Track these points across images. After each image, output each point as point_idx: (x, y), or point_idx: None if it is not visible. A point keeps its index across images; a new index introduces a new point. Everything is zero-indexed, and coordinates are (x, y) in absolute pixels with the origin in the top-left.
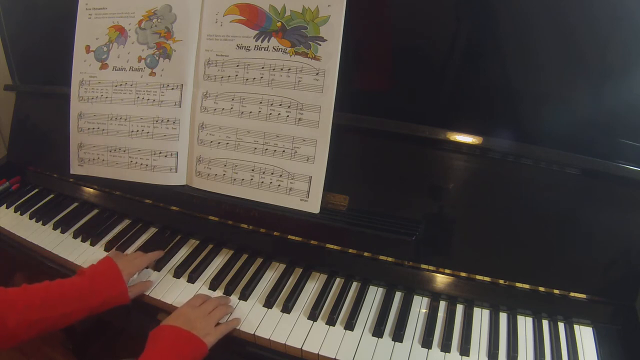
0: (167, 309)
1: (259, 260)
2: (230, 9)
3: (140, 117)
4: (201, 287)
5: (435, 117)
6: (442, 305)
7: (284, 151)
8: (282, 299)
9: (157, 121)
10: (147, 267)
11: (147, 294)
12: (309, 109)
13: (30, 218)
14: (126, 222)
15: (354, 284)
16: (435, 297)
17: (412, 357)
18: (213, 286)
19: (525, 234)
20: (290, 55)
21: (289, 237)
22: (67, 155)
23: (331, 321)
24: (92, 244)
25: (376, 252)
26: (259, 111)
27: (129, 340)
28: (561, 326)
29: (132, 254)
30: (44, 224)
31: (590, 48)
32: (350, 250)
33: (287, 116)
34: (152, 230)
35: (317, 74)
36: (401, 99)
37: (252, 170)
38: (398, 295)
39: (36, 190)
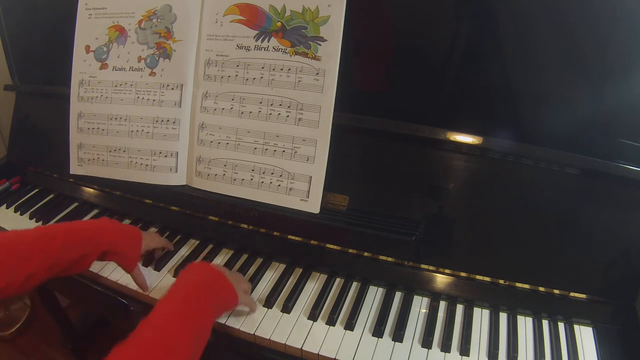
0: None
1: (259, 260)
2: (230, 9)
3: (140, 117)
4: None
5: (435, 117)
6: (442, 305)
7: (284, 151)
8: (282, 299)
9: (157, 121)
10: (147, 267)
11: (146, 293)
12: (309, 109)
13: (30, 218)
14: (126, 222)
15: (354, 284)
16: (435, 297)
17: (412, 357)
18: None
19: (525, 234)
20: (290, 55)
21: (289, 237)
22: (67, 155)
23: (331, 321)
24: None
25: (376, 252)
26: (259, 111)
27: None
28: (561, 326)
29: (152, 233)
30: (44, 224)
31: (590, 48)
32: (350, 250)
33: (287, 116)
34: (152, 230)
35: (317, 74)
36: (401, 99)
37: (252, 170)
38: (398, 295)
39: (36, 190)
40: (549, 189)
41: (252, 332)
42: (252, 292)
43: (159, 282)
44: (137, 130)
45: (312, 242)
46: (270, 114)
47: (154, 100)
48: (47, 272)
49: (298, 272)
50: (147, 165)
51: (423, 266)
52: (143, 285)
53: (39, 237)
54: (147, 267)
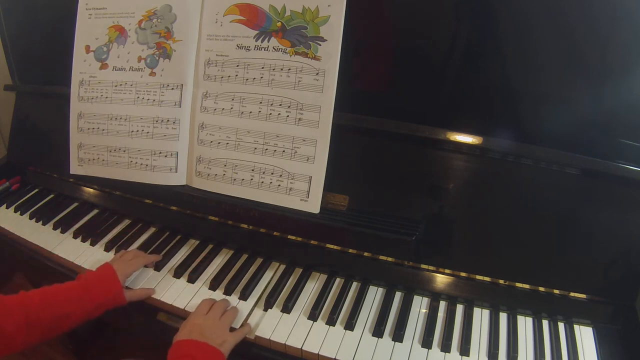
0: (167, 309)
1: (259, 260)
2: (230, 9)
3: (140, 117)
4: (201, 287)
5: (435, 117)
6: (442, 305)
7: (284, 151)
8: (282, 299)
9: (157, 121)
10: (146, 266)
11: (154, 296)
12: (309, 109)
13: (30, 218)
14: (126, 222)
15: (354, 284)
16: (435, 297)
17: (412, 357)
18: (213, 286)
19: (525, 234)
20: (290, 55)
21: (289, 237)
22: (67, 155)
23: (331, 321)
24: (92, 244)
25: (376, 252)
26: (259, 111)
27: (128, 340)
28: (561, 326)
29: (130, 254)
30: (44, 224)
31: (590, 48)
32: (350, 250)
33: (287, 116)
34: (152, 230)
35: (317, 74)
36: (401, 99)
37: (252, 170)
38: (398, 295)
39: (36, 190)
40: (549, 189)
41: (252, 333)
42: (252, 292)
43: (158, 282)
44: (137, 130)
45: (312, 242)
46: (270, 114)
47: (154, 100)
48: (27, 331)
49: (298, 272)
50: (147, 165)
51: (423, 266)
52: (147, 295)
53: (16, 297)
54: (146, 267)
